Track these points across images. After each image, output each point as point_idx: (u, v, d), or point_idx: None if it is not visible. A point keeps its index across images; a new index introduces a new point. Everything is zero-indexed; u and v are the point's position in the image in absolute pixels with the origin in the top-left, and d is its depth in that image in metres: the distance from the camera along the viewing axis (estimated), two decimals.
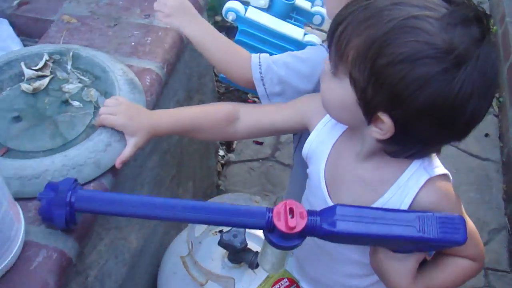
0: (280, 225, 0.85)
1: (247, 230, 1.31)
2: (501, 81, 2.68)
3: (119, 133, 1.05)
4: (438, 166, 0.93)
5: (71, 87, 1.14)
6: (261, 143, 2.41)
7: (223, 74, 1.28)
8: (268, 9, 1.38)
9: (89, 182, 1.02)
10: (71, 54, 1.16)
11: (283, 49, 1.34)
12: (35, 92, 1.13)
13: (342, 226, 0.85)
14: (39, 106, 1.11)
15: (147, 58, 1.24)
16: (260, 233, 1.36)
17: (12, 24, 1.37)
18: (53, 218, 0.90)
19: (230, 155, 2.36)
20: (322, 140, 1.02)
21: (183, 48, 1.34)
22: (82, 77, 1.15)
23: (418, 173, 0.91)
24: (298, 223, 0.85)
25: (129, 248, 1.28)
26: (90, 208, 0.91)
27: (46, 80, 1.14)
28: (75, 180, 0.92)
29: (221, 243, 1.29)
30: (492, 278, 1.99)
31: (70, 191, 0.89)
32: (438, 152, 0.95)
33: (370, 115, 0.85)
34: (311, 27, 1.49)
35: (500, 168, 2.35)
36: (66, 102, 1.11)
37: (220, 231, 1.36)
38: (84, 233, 0.98)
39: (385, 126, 0.84)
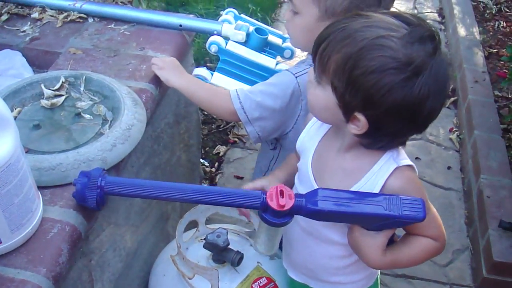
0: (273, 204, 1.04)
1: (228, 233, 1.50)
2: (460, 120, 2.96)
3: (123, 137, 1.27)
4: (405, 158, 1.13)
5: (83, 104, 1.38)
6: (241, 178, 2.63)
7: (209, 112, 1.53)
8: (246, 43, 1.64)
9: None
10: (84, 77, 1.42)
11: (258, 75, 1.60)
12: (52, 107, 1.37)
13: (322, 205, 1.05)
14: (55, 118, 1.35)
15: (143, 80, 1.48)
16: (237, 238, 1.57)
17: (24, 56, 1.61)
18: (86, 200, 1.11)
19: None
20: (310, 137, 1.24)
21: None
22: (93, 97, 1.40)
23: (388, 163, 1.11)
24: (287, 203, 1.04)
25: (125, 247, 1.46)
26: (116, 191, 1.11)
27: (62, 98, 1.39)
28: (104, 169, 1.13)
29: (206, 245, 1.48)
30: None
31: (101, 177, 1.11)
32: (404, 144, 1.15)
33: (348, 115, 1.06)
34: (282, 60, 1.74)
35: (461, 197, 2.60)
36: (78, 115, 1.35)
37: (205, 238, 1.55)
38: (91, 213, 1.18)
39: (360, 123, 1.05)
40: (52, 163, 1.19)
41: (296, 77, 1.38)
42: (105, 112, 1.36)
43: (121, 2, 1.84)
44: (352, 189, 1.14)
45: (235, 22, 1.69)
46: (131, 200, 1.49)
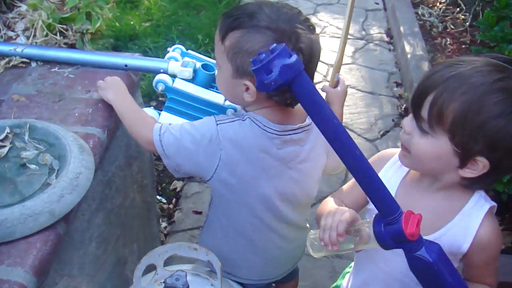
0: (406, 227, 1.01)
1: (188, 275, 1.49)
2: None
3: (71, 186, 1.26)
4: (490, 198, 1.19)
5: (28, 154, 1.36)
6: (200, 213, 2.62)
7: (131, 134, 1.52)
8: (193, 80, 1.65)
9: (45, 229, 1.21)
10: (28, 126, 1.41)
11: (207, 113, 1.61)
12: None
13: (438, 263, 1.04)
14: None
15: (89, 125, 1.48)
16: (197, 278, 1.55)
17: None
18: (272, 72, 1.00)
19: (171, 226, 2.55)
20: (387, 179, 1.25)
21: None
22: (38, 145, 1.39)
23: (480, 202, 1.17)
24: (416, 235, 1.02)
25: None
26: (300, 93, 1.03)
27: (6, 149, 1.37)
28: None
29: None
30: None
31: (301, 68, 1.01)
32: None
33: (466, 161, 1.10)
34: None
35: None
36: (24, 166, 1.34)
37: (164, 282, 1.54)
38: (41, 269, 1.17)
39: (479, 167, 1.09)
40: None
41: (217, 124, 1.39)
42: (51, 161, 1.35)
43: (64, 44, 1.83)
44: (443, 229, 1.19)
45: (182, 59, 1.70)
46: (85, 249, 1.47)
